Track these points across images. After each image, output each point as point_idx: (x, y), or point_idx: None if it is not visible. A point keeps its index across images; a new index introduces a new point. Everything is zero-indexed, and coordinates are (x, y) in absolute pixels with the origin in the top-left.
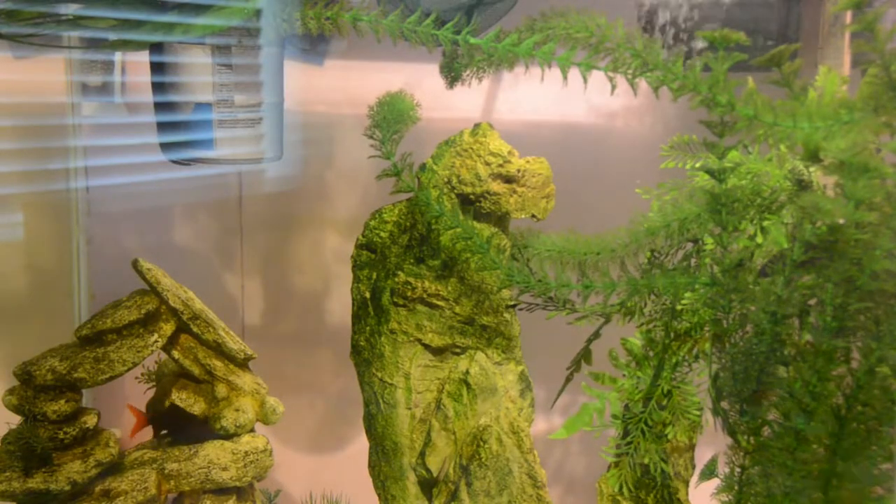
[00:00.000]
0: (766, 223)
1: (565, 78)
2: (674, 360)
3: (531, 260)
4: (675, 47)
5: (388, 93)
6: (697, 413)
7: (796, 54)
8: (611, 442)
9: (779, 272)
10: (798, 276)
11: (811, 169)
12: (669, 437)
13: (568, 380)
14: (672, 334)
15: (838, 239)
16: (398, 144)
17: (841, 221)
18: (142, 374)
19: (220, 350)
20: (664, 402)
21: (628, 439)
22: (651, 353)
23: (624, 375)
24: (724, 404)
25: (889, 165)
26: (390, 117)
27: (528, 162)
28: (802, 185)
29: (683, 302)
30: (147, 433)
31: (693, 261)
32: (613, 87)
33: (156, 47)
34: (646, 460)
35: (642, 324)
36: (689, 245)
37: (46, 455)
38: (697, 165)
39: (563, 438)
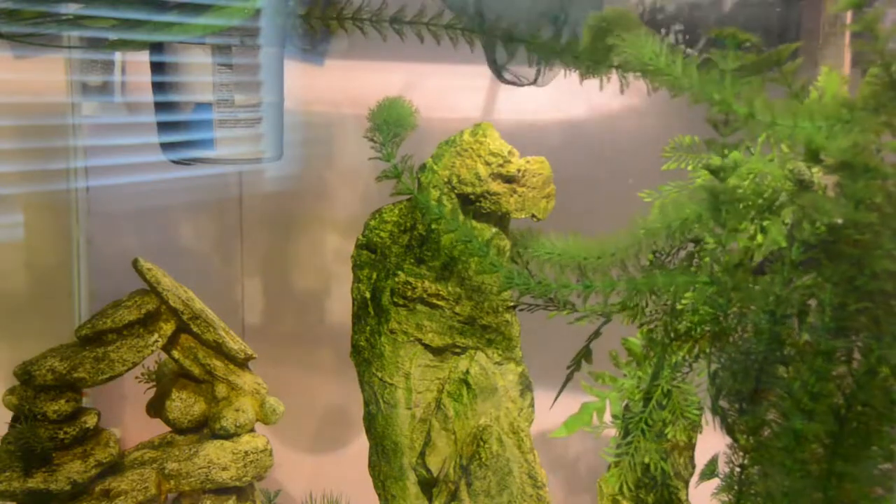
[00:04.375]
0: (765, 223)
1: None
2: (674, 360)
3: (531, 262)
4: (675, 47)
5: (388, 97)
6: (697, 412)
7: (796, 53)
8: (611, 442)
9: (778, 272)
10: (797, 276)
11: (813, 169)
12: (669, 436)
13: (568, 378)
14: (672, 334)
15: (838, 239)
16: (398, 147)
17: (840, 221)
18: (142, 374)
19: (220, 350)
20: (664, 402)
21: (628, 439)
22: (651, 353)
23: (624, 375)
24: (724, 403)
25: (889, 165)
26: (390, 120)
27: (528, 162)
28: (803, 185)
29: (683, 301)
30: (149, 433)
31: (695, 260)
32: (626, 86)
33: (156, 47)
34: (646, 460)
35: (643, 324)
36: (691, 245)
37: (46, 455)
38: (700, 165)
39: (563, 437)
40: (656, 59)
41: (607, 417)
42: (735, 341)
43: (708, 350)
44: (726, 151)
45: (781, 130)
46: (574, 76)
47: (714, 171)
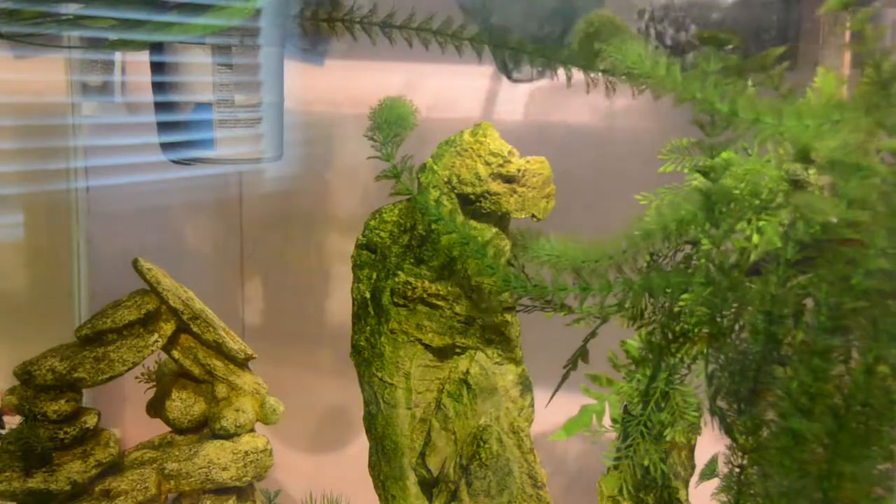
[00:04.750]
0: (761, 223)
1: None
2: (671, 362)
3: (530, 262)
4: (672, 48)
5: (388, 97)
6: (695, 414)
7: (787, 55)
8: (610, 445)
9: (773, 271)
10: (793, 276)
11: (809, 169)
12: (668, 437)
13: (564, 378)
14: (670, 335)
15: (832, 238)
16: (398, 147)
17: (834, 220)
18: (142, 374)
19: (220, 350)
20: (662, 404)
21: (628, 442)
22: (649, 355)
23: (623, 377)
24: (722, 404)
25: (882, 164)
26: (391, 120)
27: (528, 162)
28: (797, 185)
29: (681, 303)
30: (149, 433)
31: (693, 262)
32: (614, 91)
33: (156, 47)
34: (645, 462)
35: (641, 326)
36: (689, 247)
37: (46, 455)
38: (692, 166)
39: (562, 439)
40: (640, 61)
41: (606, 420)
42: (732, 342)
43: (705, 351)
44: (715, 152)
45: (766, 129)
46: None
47: (704, 172)
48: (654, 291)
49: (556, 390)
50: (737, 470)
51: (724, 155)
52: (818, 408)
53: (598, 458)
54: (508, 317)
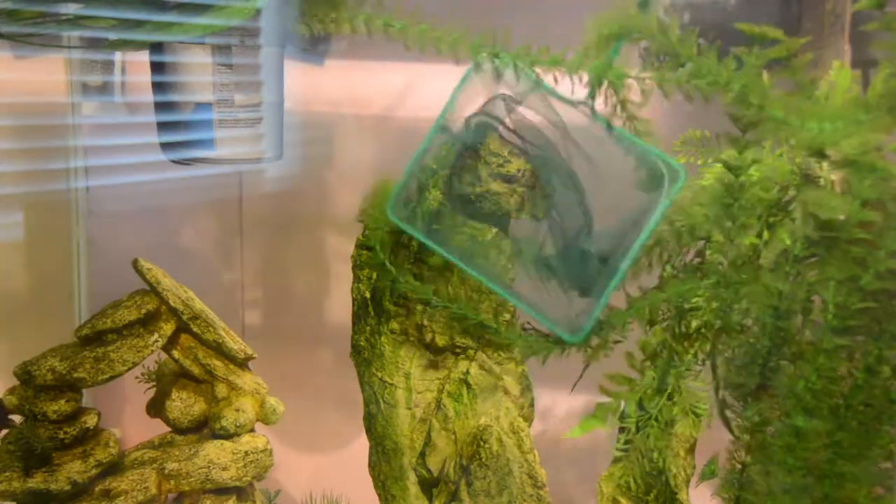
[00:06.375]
0: (771, 219)
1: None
2: (686, 357)
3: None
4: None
5: (380, 180)
6: (704, 407)
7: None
8: (619, 439)
9: (781, 267)
10: (804, 272)
11: (823, 164)
12: (678, 431)
13: (586, 366)
14: (684, 329)
15: (841, 237)
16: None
17: (843, 218)
18: (142, 374)
19: (220, 350)
20: (675, 398)
21: (638, 434)
22: (662, 351)
23: (639, 374)
24: (727, 400)
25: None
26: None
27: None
28: (809, 180)
29: (693, 300)
30: (149, 433)
31: (704, 258)
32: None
33: (156, 47)
34: (655, 457)
35: (655, 323)
36: (700, 243)
37: (46, 455)
38: (711, 161)
39: (577, 437)
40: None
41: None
42: (738, 337)
43: (712, 346)
44: (744, 147)
45: (808, 133)
46: (573, 80)
47: (731, 168)
48: (669, 300)
49: (577, 379)
50: (739, 466)
51: (750, 152)
52: (822, 407)
53: (597, 458)
54: (509, 316)
